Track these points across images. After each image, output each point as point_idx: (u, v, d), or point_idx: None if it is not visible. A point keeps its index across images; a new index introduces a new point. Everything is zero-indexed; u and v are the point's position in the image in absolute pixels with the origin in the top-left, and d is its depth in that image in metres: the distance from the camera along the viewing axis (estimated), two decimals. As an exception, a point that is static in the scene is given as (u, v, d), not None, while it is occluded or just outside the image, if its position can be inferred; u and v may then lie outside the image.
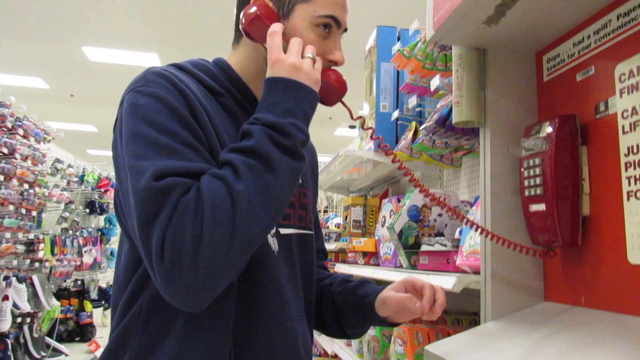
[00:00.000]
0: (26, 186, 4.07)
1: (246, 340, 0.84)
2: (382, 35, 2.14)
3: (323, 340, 2.70)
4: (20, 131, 3.95)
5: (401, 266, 1.65)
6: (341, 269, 2.16)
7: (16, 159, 3.88)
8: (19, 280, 3.90)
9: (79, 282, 5.14)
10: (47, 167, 4.62)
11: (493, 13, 0.96)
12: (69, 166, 5.17)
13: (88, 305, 4.99)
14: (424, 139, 1.68)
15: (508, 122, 1.09)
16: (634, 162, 0.83)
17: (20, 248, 4.07)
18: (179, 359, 0.80)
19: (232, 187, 0.72)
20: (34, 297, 4.02)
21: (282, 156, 0.77)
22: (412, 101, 1.88)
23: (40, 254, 4.36)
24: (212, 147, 0.82)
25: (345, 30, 0.92)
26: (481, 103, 1.10)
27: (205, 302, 0.74)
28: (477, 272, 1.14)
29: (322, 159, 3.45)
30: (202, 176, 0.75)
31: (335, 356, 2.50)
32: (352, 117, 0.93)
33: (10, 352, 3.63)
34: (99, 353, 3.57)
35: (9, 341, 3.67)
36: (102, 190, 5.74)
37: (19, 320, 3.84)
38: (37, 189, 4.27)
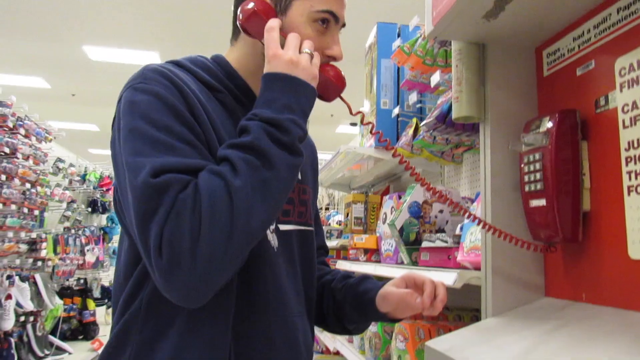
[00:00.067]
0: (28, 185, 4.07)
1: (246, 336, 0.84)
2: (382, 31, 2.14)
3: (325, 337, 2.70)
4: (22, 131, 3.95)
5: (402, 263, 1.65)
6: (342, 265, 2.16)
7: (18, 158, 3.89)
8: (22, 279, 3.91)
9: (82, 281, 5.16)
10: (49, 166, 4.63)
11: (492, 7, 0.95)
12: (71, 165, 5.18)
13: (91, 304, 5.00)
14: (425, 135, 1.67)
15: (508, 117, 1.09)
16: (635, 156, 0.82)
17: (23, 247, 4.08)
18: (179, 354, 0.80)
19: (230, 183, 0.72)
20: (37, 295, 4.03)
21: (280, 152, 0.76)
22: (413, 97, 1.87)
23: (43, 253, 4.37)
24: (210, 144, 0.82)
25: (344, 25, 0.92)
26: (481, 98, 1.10)
27: (204, 298, 0.74)
28: (478, 268, 1.13)
29: (324, 156, 3.45)
30: (199, 172, 0.75)
31: (337, 353, 2.50)
32: (351, 113, 0.92)
33: (14, 351, 3.64)
34: (101, 351, 3.56)
35: (12, 340, 3.68)
36: (104, 189, 5.75)
37: (22, 319, 3.85)
38: (39, 188, 4.27)
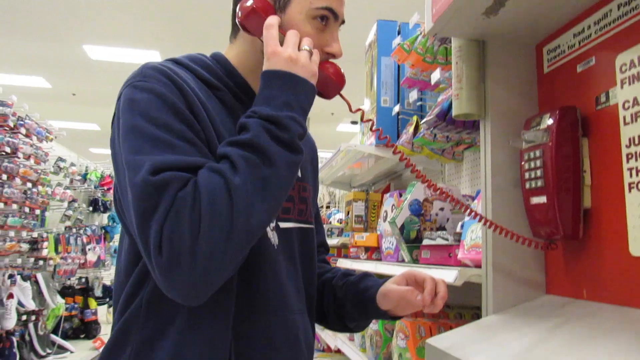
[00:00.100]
0: (29, 185, 4.08)
1: (246, 334, 0.84)
2: (382, 29, 2.14)
3: (326, 335, 2.70)
4: (23, 130, 3.96)
5: (403, 261, 1.65)
6: (343, 264, 2.16)
7: (19, 158, 3.89)
8: (24, 279, 3.92)
9: (83, 280, 5.16)
10: (50, 165, 4.63)
11: (492, 4, 0.95)
12: (72, 165, 5.18)
13: (92, 303, 5.01)
14: (425, 133, 1.67)
15: (508, 114, 1.09)
16: (636, 153, 0.82)
17: (24, 246, 4.09)
18: (179, 352, 0.80)
19: (230, 181, 0.72)
20: (38, 295, 4.04)
21: (279, 149, 0.76)
22: (413, 95, 1.87)
23: (44, 252, 4.38)
24: (209, 141, 0.82)
25: (343, 22, 0.92)
26: (481, 95, 1.09)
27: (204, 296, 0.74)
28: (478, 266, 1.13)
29: (324, 154, 3.45)
30: (199, 170, 0.75)
31: (339, 351, 2.50)
32: (351, 110, 0.92)
33: (15, 350, 3.65)
34: (103, 350, 3.57)
35: (14, 339, 3.69)
36: (105, 188, 5.75)
37: (24, 318, 3.86)
38: (40, 187, 4.28)
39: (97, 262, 5.30)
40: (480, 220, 1.02)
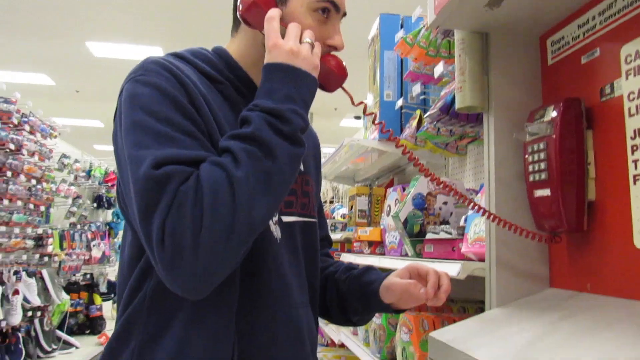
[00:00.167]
0: (34, 182, 4.09)
1: (250, 328, 0.84)
2: (385, 23, 2.12)
3: (330, 330, 2.71)
4: (27, 127, 3.97)
5: (407, 255, 1.65)
6: (347, 258, 2.16)
7: (23, 155, 3.90)
8: (29, 275, 3.94)
9: (88, 276, 5.19)
10: (54, 162, 4.65)
11: (495, -5, 0.94)
12: (76, 161, 5.20)
13: (97, 299, 5.04)
14: (429, 126, 1.66)
15: (512, 107, 1.08)
16: (640, 144, 0.81)
17: (30, 243, 4.11)
18: (183, 346, 0.80)
19: (232, 174, 0.72)
20: (44, 291, 4.06)
21: (281, 142, 0.76)
22: (416, 89, 1.86)
23: (49, 249, 4.40)
24: (211, 135, 0.81)
25: (344, 14, 0.91)
26: (484, 88, 1.09)
27: (207, 290, 0.75)
28: (482, 260, 1.13)
29: (328, 149, 3.44)
30: (201, 164, 0.74)
31: (342, 345, 2.51)
32: (353, 103, 0.92)
33: (21, 345, 3.67)
34: (108, 345, 3.60)
35: (20, 334, 3.71)
36: (109, 184, 5.77)
37: (29, 314, 3.88)
38: (44, 184, 4.29)
39: (102, 258, 5.32)
40: (483, 214, 1.01)
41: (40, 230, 4.30)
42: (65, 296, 4.40)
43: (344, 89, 0.92)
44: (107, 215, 6.11)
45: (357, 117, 8.54)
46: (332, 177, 3.24)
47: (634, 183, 0.83)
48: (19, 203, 3.88)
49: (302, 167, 0.97)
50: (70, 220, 5.15)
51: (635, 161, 0.83)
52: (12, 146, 3.71)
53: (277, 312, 0.88)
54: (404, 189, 1.80)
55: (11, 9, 5.32)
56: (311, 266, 0.99)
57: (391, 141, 0.93)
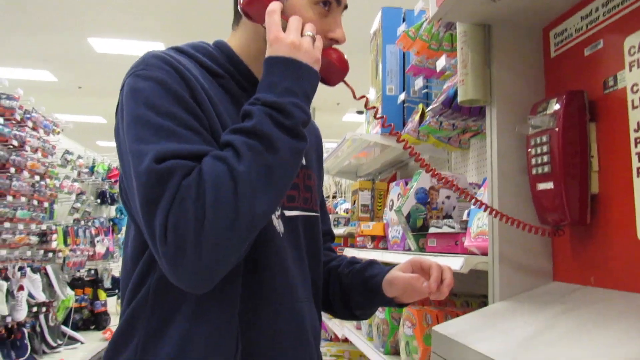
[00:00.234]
0: (37, 178, 4.10)
1: (253, 323, 0.85)
2: (387, 16, 2.11)
3: (333, 325, 2.71)
4: (30, 123, 3.97)
5: (409, 249, 1.65)
6: (350, 253, 2.16)
7: (26, 151, 3.91)
8: (34, 271, 3.96)
9: (93, 272, 5.21)
10: (57, 158, 4.65)
11: (497, -13, 0.93)
12: (79, 157, 5.21)
13: (102, 294, 5.05)
14: (431, 121, 1.66)
15: (515, 99, 1.07)
16: (644, 136, 0.81)
17: (34, 239, 4.12)
18: (186, 340, 0.81)
19: (234, 168, 0.72)
20: (48, 286, 4.08)
21: (283, 136, 0.76)
22: (419, 83, 1.85)
23: (54, 245, 4.41)
24: (213, 129, 0.81)
25: (346, 7, 0.91)
26: (487, 81, 1.08)
27: (210, 284, 0.75)
28: (485, 253, 1.13)
29: (330, 144, 3.44)
30: (203, 158, 0.74)
31: (346, 340, 2.51)
32: (355, 97, 0.91)
33: (27, 341, 3.69)
34: (113, 340, 3.61)
35: (25, 330, 3.73)
36: (113, 180, 5.78)
37: (34, 309, 3.90)
38: (48, 180, 4.30)
39: (106, 253, 5.34)
40: (485, 210, 1.01)
41: (44, 227, 4.32)
42: (69, 292, 4.41)
43: (345, 82, 0.92)
44: (111, 211, 6.12)
45: (360, 112, 8.52)
46: (335, 171, 3.24)
47: (638, 175, 0.82)
48: (23, 199, 3.89)
49: (304, 161, 0.97)
50: (74, 216, 5.16)
51: (638, 154, 0.82)
52: (15, 142, 3.71)
53: (281, 307, 0.88)
54: (406, 184, 1.79)
55: (13, 5, 5.32)
56: (314, 260, 0.99)
57: (393, 136, 0.92)
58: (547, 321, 0.88)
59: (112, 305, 5.30)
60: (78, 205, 5.17)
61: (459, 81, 1.11)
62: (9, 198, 3.67)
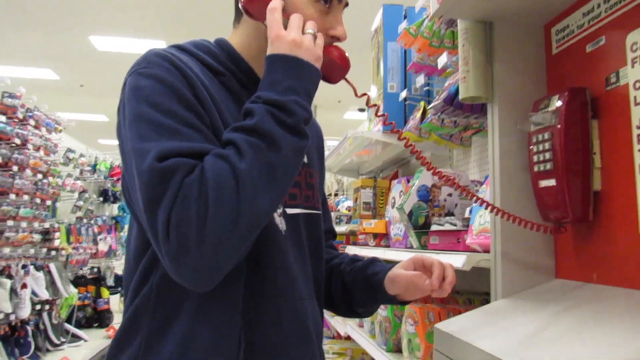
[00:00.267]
0: (40, 176, 4.11)
1: (255, 320, 0.85)
2: (388, 14, 2.11)
3: (336, 322, 2.72)
4: (32, 122, 3.98)
5: (412, 247, 1.65)
6: (352, 250, 2.17)
7: (29, 149, 3.92)
8: (37, 269, 3.97)
9: (95, 270, 5.22)
10: (60, 156, 4.66)
11: (499, -16, 0.93)
12: (81, 155, 5.22)
13: (105, 292, 5.07)
14: (433, 118, 1.65)
15: (516, 96, 1.07)
16: (646, 133, 0.81)
17: (37, 237, 4.13)
18: (189, 338, 0.81)
19: (236, 167, 0.72)
20: (51, 284, 4.09)
21: (284, 134, 0.76)
22: (420, 80, 1.85)
23: (56, 243, 4.42)
24: (215, 127, 0.81)
25: (347, 4, 0.90)
26: (488, 78, 1.08)
27: (213, 282, 0.75)
28: (487, 251, 1.13)
29: (332, 142, 3.43)
30: (205, 156, 0.75)
31: (348, 337, 2.52)
32: (356, 95, 0.91)
33: (30, 339, 3.71)
34: (116, 338, 3.62)
35: (29, 328, 3.74)
36: (115, 178, 5.79)
37: (38, 307, 3.91)
38: (50, 178, 4.31)
39: (109, 251, 5.35)
40: (487, 208, 1.01)
41: (47, 225, 4.33)
42: (73, 290, 4.43)
43: (347, 80, 0.92)
44: (113, 209, 6.14)
45: (361, 110, 8.51)
46: (337, 169, 3.24)
47: (640, 172, 0.82)
48: (26, 197, 3.90)
49: (305, 159, 0.97)
50: (76, 215, 5.17)
51: (641, 150, 0.82)
52: (17, 141, 3.72)
53: (283, 305, 0.88)
54: (408, 181, 1.79)
55: (15, 4, 5.32)
56: (316, 258, 0.99)
57: (394, 133, 0.92)
58: (550, 318, 0.88)
59: (115, 303, 5.32)
60: (80, 203, 5.18)
61: (460, 78, 1.10)
62: (12, 196, 3.68)
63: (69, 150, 4.91)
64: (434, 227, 1.45)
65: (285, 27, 0.82)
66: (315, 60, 0.82)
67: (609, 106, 0.91)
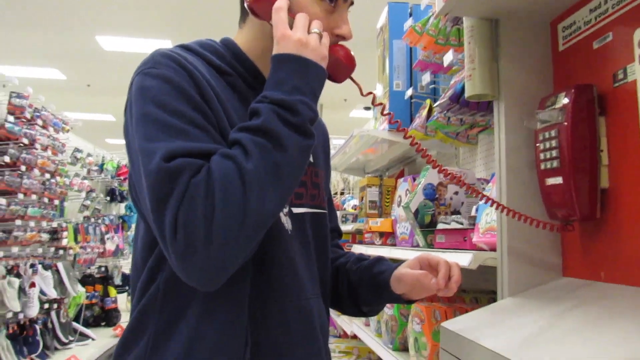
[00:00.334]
0: (47, 176, 4.14)
1: (262, 319, 0.85)
2: (394, 11, 2.10)
3: (342, 321, 2.72)
4: (39, 122, 4.00)
5: (418, 245, 1.65)
6: (358, 249, 2.16)
7: (37, 149, 3.94)
8: (45, 268, 4.00)
9: (103, 269, 5.25)
10: (67, 156, 4.69)
11: (505, -19, 0.93)
12: (89, 155, 5.24)
13: (112, 291, 5.10)
14: (439, 116, 1.65)
15: (523, 94, 1.07)
16: (654, 130, 0.80)
17: (45, 236, 4.16)
18: (196, 337, 0.81)
19: (242, 167, 0.72)
20: (59, 283, 4.12)
21: (290, 134, 0.76)
22: (426, 78, 1.84)
23: (64, 242, 4.45)
24: (221, 127, 0.82)
25: (352, 3, 0.90)
26: (494, 75, 1.07)
27: (219, 281, 0.75)
28: (494, 249, 1.12)
29: (338, 141, 3.43)
30: (212, 156, 0.75)
31: (355, 336, 2.52)
32: (362, 94, 0.91)
33: (39, 337, 3.73)
34: (123, 337, 3.64)
35: (37, 326, 3.77)
36: (122, 178, 5.82)
37: (46, 306, 3.94)
38: (58, 178, 4.34)
39: (116, 251, 5.38)
40: (492, 205, 1.00)
41: (54, 224, 4.36)
42: (81, 289, 4.46)
43: (352, 79, 0.91)
44: (120, 208, 6.17)
45: (367, 108, 8.50)
46: (343, 168, 3.23)
47: (648, 170, 0.82)
48: (34, 197, 3.93)
49: (311, 159, 0.97)
50: (84, 214, 5.20)
51: (649, 148, 0.81)
52: (25, 140, 3.74)
53: (289, 304, 0.88)
54: (414, 180, 1.79)
55: (21, 4, 5.35)
56: (322, 257, 1.00)
57: (400, 132, 0.92)
58: (557, 317, 0.87)
59: (123, 302, 5.34)
60: (88, 202, 5.21)
61: (466, 76, 1.10)
62: (20, 196, 3.71)
63: (77, 149, 4.94)
64: (440, 226, 1.45)
65: (291, 27, 0.82)
66: (321, 59, 0.82)
67: (616, 103, 0.90)
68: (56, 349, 4.00)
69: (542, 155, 0.98)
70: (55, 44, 6.54)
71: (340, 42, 0.90)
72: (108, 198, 5.78)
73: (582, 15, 0.99)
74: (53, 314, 4.08)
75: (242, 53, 0.92)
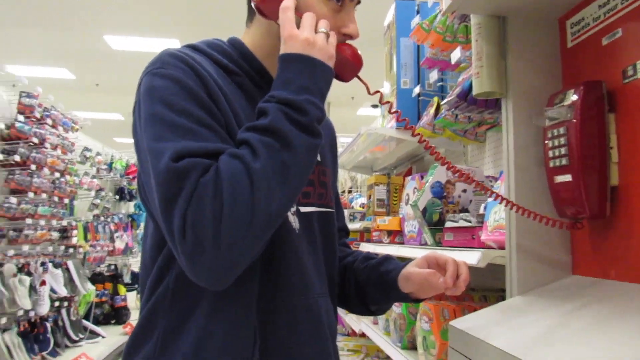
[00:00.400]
0: (57, 175, 4.17)
1: (270, 318, 0.85)
2: (401, 9, 2.10)
3: (350, 320, 2.72)
4: (49, 121, 4.04)
5: (426, 244, 1.64)
6: (366, 248, 2.16)
7: (46, 148, 3.98)
8: (55, 266, 4.04)
9: (112, 267, 5.30)
10: (77, 155, 4.73)
11: (513, -22, 0.92)
12: (98, 154, 5.29)
13: (122, 289, 5.14)
14: (447, 114, 1.64)
15: (531, 91, 1.06)
16: (665, 127, 0.79)
17: (55, 235, 4.20)
18: (205, 336, 0.82)
19: (250, 166, 0.73)
20: (70, 282, 4.16)
21: (298, 133, 0.76)
22: (434, 76, 1.84)
23: (74, 240, 4.50)
24: (229, 127, 0.82)
25: (359, 2, 0.90)
26: (502, 73, 1.07)
27: (228, 280, 0.75)
28: (502, 247, 1.12)
29: (345, 139, 3.43)
30: (220, 156, 0.75)
31: (363, 335, 2.52)
32: (369, 92, 0.91)
33: (49, 335, 3.78)
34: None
35: (48, 324, 3.82)
36: (131, 177, 5.86)
37: (56, 304, 3.99)
38: (67, 177, 4.38)
39: (125, 249, 5.43)
40: (501, 202, 1.00)
41: (64, 223, 4.40)
42: (90, 287, 4.50)
43: (359, 78, 0.91)
44: (129, 207, 6.22)
45: (375, 106, 8.47)
46: (350, 166, 3.23)
47: (659, 167, 0.81)
48: (44, 196, 3.97)
49: (319, 158, 0.97)
50: (93, 213, 5.25)
51: (659, 145, 0.81)
52: (35, 140, 3.78)
53: (297, 302, 0.89)
54: (422, 178, 1.79)
55: (30, 4, 5.39)
56: (329, 256, 1.00)
57: (407, 130, 0.92)
58: (566, 316, 0.87)
59: (132, 300, 5.39)
60: (97, 201, 5.26)
61: (474, 74, 1.09)
62: (30, 194, 3.75)
63: (86, 148, 4.98)
64: (448, 224, 1.44)
65: (298, 26, 0.82)
66: (328, 59, 0.82)
67: (626, 99, 0.89)
68: (66, 346, 4.04)
69: (551, 153, 0.97)
70: (64, 44, 6.59)
71: (348, 41, 0.90)
72: (117, 197, 5.82)
73: (591, 11, 0.98)
74: (63, 311, 4.12)
75: (249, 52, 0.93)
